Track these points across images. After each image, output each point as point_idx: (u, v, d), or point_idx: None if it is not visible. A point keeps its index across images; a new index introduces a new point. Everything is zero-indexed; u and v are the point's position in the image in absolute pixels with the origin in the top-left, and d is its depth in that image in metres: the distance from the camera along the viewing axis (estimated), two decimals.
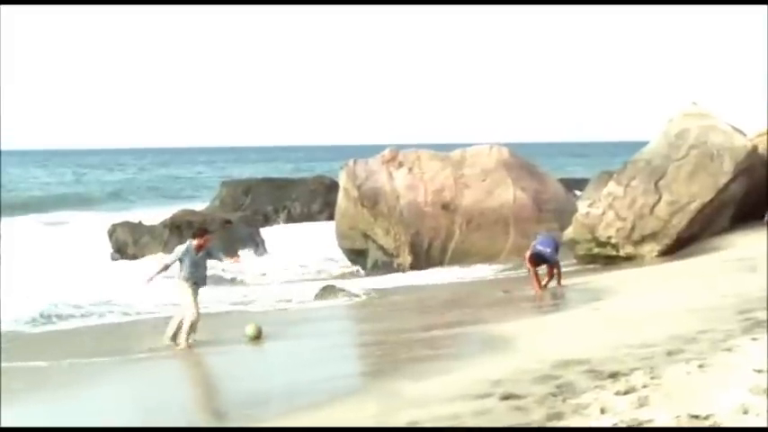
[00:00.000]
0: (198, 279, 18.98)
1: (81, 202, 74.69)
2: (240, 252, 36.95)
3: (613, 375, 10.89)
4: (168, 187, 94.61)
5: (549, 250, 23.32)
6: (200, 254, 18.99)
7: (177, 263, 18.87)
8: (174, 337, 18.67)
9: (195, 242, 18.97)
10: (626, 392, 9.89)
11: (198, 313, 18.70)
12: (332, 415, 11.34)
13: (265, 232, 42.98)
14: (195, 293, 18.86)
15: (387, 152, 33.77)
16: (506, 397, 10.66)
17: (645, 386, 9.99)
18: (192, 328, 18.65)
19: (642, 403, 9.41)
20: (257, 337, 18.65)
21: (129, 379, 16.54)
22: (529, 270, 23.37)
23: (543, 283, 23.07)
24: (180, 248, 19.10)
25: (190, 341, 18.57)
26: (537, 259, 23.17)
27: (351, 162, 33.74)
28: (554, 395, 10.36)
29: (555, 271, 23.28)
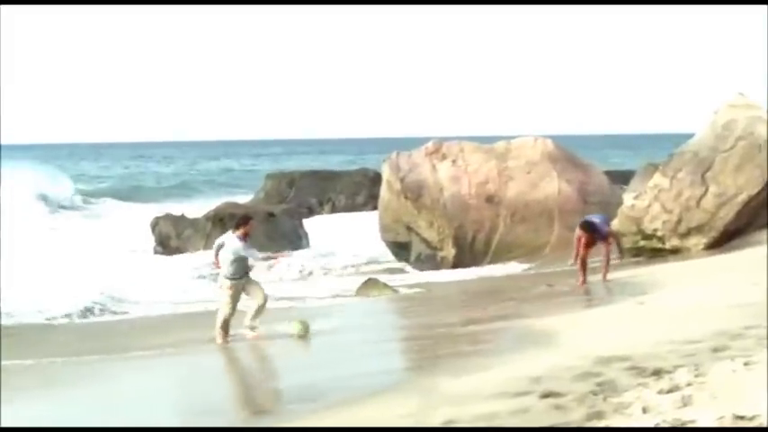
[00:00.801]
0: (241, 273, 18.34)
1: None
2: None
3: (656, 373, 10.65)
4: (224, 180, 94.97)
5: (598, 220, 23.04)
6: (245, 244, 18.25)
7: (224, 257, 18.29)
8: (226, 326, 18.41)
9: (239, 231, 18.29)
10: (669, 391, 9.64)
11: (232, 311, 18.35)
12: (368, 411, 11.18)
13: (309, 223, 43.01)
14: (237, 291, 18.30)
15: (430, 144, 33.55)
16: (546, 395, 10.44)
17: (689, 384, 9.74)
18: (226, 324, 18.37)
19: (686, 402, 9.17)
20: (304, 334, 18.10)
21: (171, 373, 16.54)
22: (576, 257, 22.79)
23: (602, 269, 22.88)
24: (234, 243, 18.25)
25: (228, 339, 18.34)
26: (588, 229, 22.54)
27: (394, 154, 33.54)
28: (595, 393, 10.12)
29: (607, 251, 22.90)
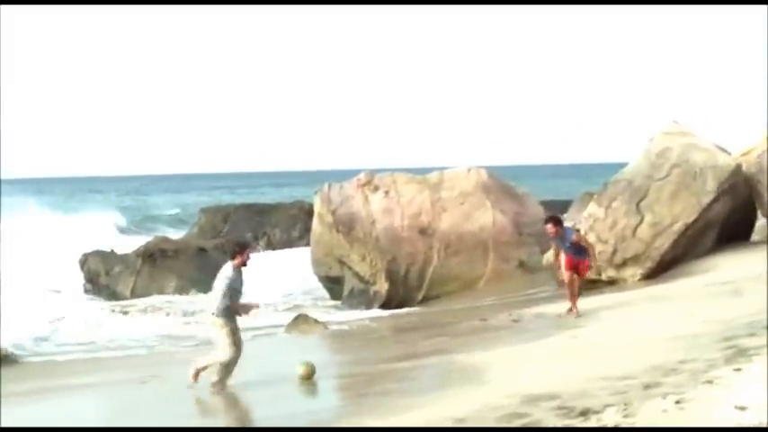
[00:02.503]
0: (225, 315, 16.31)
1: None
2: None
3: (584, 413, 10.05)
4: None
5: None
6: (239, 275, 16.34)
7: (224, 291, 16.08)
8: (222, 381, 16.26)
9: (236, 260, 16.28)
10: None
11: (238, 350, 16.28)
12: None
13: None
14: (235, 326, 16.36)
15: (362, 175, 32.87)
16: None
17: (616, 426, 9.13)
18: (228, 369, 16.24)
19: None
20: (310, 376, 16.24)
21: None
22: (564, 280, 21.21)
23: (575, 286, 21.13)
24: (228, 273, 16.20)
25: (221, 385, 16.20)
26: (556, 224, 21.06)
27: (325, 186, 32.80)
28: None
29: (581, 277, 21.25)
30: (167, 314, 31.05)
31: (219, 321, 16.09)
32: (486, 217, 31.39)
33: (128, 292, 36.29)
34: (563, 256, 21.18)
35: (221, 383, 16.13)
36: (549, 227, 21.13)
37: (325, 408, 14.48)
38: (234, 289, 16.13)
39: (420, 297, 30.40)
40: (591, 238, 25.96)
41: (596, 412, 9.96)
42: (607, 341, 16.30)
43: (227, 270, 16.24)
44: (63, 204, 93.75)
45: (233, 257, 16.40)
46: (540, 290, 27.52)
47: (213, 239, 47.32)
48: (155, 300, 34.57)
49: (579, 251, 21.06)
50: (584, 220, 26.89)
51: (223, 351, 16.11)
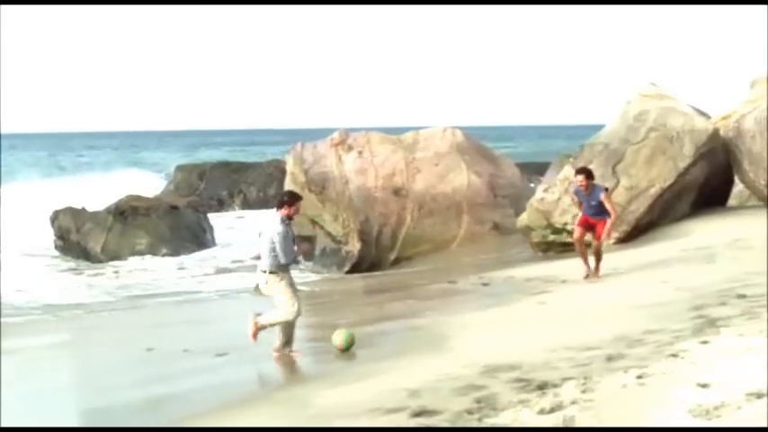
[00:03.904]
0: (293, 262, 14.98)
1: None
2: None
3: (542, 387, 9.58)
4: None
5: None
6: (289, 228, 14.66)
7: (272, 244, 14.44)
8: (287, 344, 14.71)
9: (283, 211, 14.56)
10: (551, 410, 8.56)
11: (298, 309, 14.59)
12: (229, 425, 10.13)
13: (216, 219, 42.00)
14: (291, 280, 14.88)
15: (336, 135, 32.33)
16: (418, 413, 9.35)
17: (573, 403, 8.66)
18: (291, 329, 14.69)
19: (567, 423, 8.10)
20: (348, 347, 14.46)
21: None
22: (577, 241, 19.71)
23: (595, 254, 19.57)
24: (277, 226, 14.46)
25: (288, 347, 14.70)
26: (588, 176, 19.29)
27: (298, 145, 32.24)
28: (470, 413, 9.03)
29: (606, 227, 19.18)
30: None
31: (274, 277, 14.54)
32: (461, 178, 30.97)
33: (98, 249, 35.78)
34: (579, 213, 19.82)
35: (287, 345, 14.66)
36: (581, 179, 19.29)
37: (275, 376, 13.91)
38: (288, 240, 14.48)
39: (393, 258, 29.96)
40: (566, 201, 25.59)
41: (555, 386, 9.51)
42: (575, 308, 15.83)
43: (275, 223, 14.53)
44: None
45: (279, 207, 14.67)
46: (514, 252, 27.13)
47: (188, 197, 46.84)
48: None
49: (600, 211, 19.36)
50: (560, 183, 26.40)
51: (285, 308, 14.49)
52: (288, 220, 14.57)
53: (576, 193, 19.91)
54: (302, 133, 34.90)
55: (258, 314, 14.77)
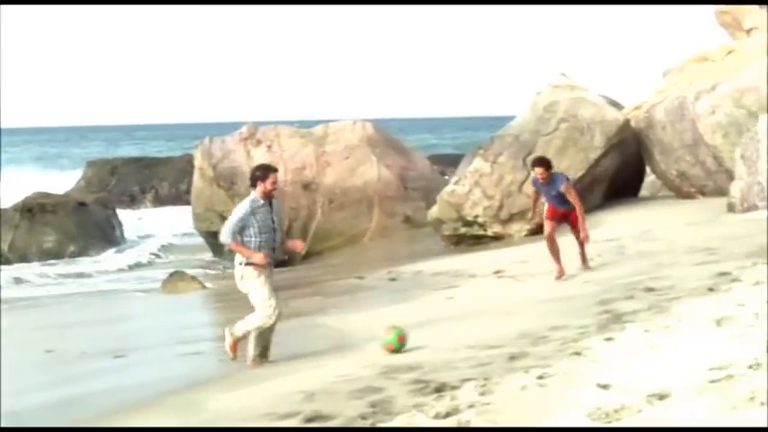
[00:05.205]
0: (273, 248, 12.93)
1: None
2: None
3: (440, 389, 9.17)
4: None
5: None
6: (268, 206, 12.62)
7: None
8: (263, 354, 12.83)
9: (259, 188, 12.50)
10: (447, 415, 8.16)
11: (276, 308, 12.61)
12: None
13: (126, 215, 41.47)
14: (271, 276, 12.97)
15: (244, 129, 31.86)
16: (311, 418, 8.93)
17: (470, 406, 8.27)
18: (268, 333, 12.79)
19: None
20: (399, 349, 11.94)
21: None
22: (546, 232, 17.83)
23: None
24: (243, 207, 12.60)
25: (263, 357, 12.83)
26: (544, 166, 17.46)
27: (206, 140, 31.77)
28: (364, 417, 8.62)
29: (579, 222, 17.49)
30: None
31: (251, 272, 12.62)
32: (372, 171, 30.72)
33: (5, 248, 34.88)
34: (545, 205, 18.08)
35: (263, 356, 12.80)
36: (540, 171, 17.42)
37: (171, 377, 13.23)
38: (265, 222, 12.54)
39: (303, 253, 29.53)
40: (476, 193, 25.37)
41: (453, 388, 9.11)
42: (481, 303, 15.51)
43: (242, 204, 12.71)
44: None
45: (254, 185, 12.67)
46: (425, 245, 26.87)
47: (99, 193, 46.00)
48: None
49: (564, 201, 17.63)
50: (470, 175, 26.16)
51: (261, 312, 12.51)
52: (265, 199, 12.49)
53: (534, 183, 18.15)
54: (228, 126, 34.27)
55: (232, 326, 12.95)
